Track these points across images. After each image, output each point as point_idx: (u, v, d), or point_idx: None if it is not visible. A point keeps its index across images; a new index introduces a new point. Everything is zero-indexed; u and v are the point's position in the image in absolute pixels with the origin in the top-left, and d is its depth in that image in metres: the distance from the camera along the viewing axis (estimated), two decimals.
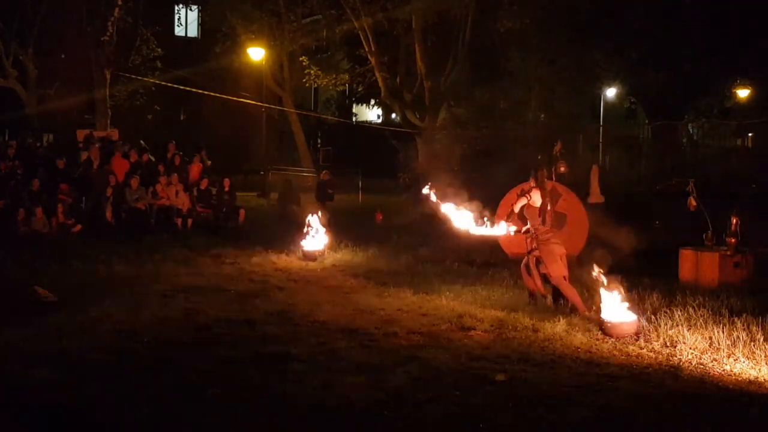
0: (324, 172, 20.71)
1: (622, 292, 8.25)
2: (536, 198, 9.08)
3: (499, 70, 25.75)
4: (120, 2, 23.18)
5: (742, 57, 23.14)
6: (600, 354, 7.31)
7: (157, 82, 25.19)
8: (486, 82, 25.55)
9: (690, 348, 7.45)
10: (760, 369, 6.85)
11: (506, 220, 9.44)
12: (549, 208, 9.11)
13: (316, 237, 12.99)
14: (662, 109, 24.63)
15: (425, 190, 9.44)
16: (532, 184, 9.19)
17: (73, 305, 8.87)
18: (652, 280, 10.68)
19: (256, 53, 25.86)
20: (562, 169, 14.56)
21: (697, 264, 11.03)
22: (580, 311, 8.69)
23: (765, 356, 7.12)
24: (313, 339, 7.63)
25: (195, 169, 18.71)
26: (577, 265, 11.84)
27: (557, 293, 9.06)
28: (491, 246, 13.58)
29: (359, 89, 31.78)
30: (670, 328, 8.01)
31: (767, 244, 11.39)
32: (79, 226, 15.20)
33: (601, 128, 28.25)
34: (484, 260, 12.93)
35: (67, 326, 7.84)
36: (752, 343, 7.45)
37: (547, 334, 7.93)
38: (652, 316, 8.47)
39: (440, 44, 24.32)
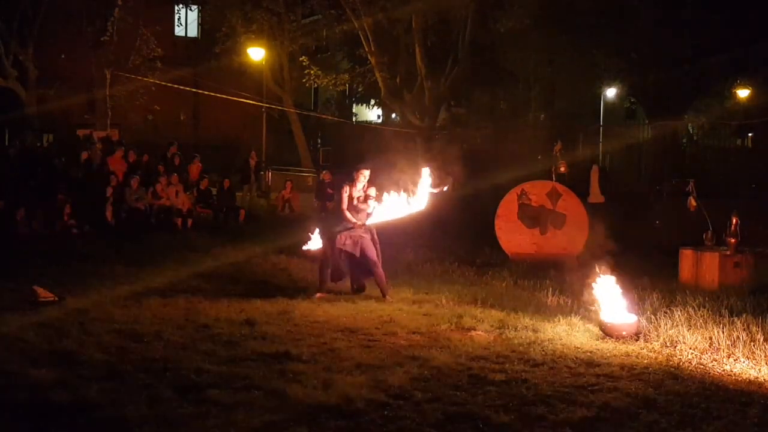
0: (324, 172, 20.71)
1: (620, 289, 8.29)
2: (355, 192, 9.93)
3: (499, 70, 25.76)
4: (120, 2, 23.19)
5: (742, 57, 23.14)
6: (600, 354, 7.31)
7: (157, 82, 25.18)
8: (486, 82, 25.55)
9: (690, 348, 7.46)
10: (760, 369, 6.86)
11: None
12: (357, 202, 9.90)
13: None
14: (662, 109, 24.61)
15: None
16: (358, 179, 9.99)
17: (73, 305, 8.87)
18: (652, 280, 10.69)
19: (256, 53, 25.86)
20: (562, 169, 14.58)
21: (697, 264, 11.04)
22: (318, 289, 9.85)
23: (765, 356, 7.12)
24: (313, 339, 7.63)
25: (195, 169, 18.74)
26: (578, 265, 11.87)
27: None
28: (491, 246, 13.61)
29: (359, 89, 31.76)
30: (670, 328, 8.01)
31: (767, 244, 11.41)
32: (87, 228, 15.22)
33: (601, 128, 28.25)
34: (484, 260, 12.94)
35: (67, 326, 7.84)
36: (752, 343, 7.45)
37: (547, 334, 7.94)
38: (652, 316, 8.47)
39: (440, 44, 24.31)
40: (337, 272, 9.98)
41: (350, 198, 9.88)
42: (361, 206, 9.87)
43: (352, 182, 9.94)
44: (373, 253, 9.85)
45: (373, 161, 10.48)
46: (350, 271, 10.01)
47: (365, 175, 9.99)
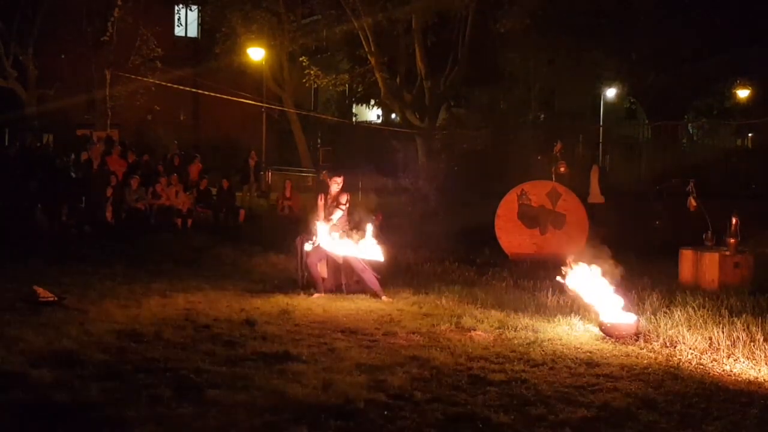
0: (324, 172, 20.71)
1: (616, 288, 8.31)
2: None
3: (499, 70, 25.78)
4: (120, 2, 23.19)
5: (742, 57, 23.16)
6: (600, 354, 7.31)
7: (157, 82, 25.18)
8: (486, 82, 25.58)
9: (690, 348, 7.45)
10: (760, 369, 6.85)
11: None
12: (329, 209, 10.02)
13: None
14: (662, 109, 24.64)
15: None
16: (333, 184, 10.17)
17: (73, 305, 8.87)
18: (652, 280, 10.68)
19: (256, 53, 25.85)
20: (562, 169, 14.60)
21: (697, 264, 11.04)
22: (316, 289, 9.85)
23: (765, 356, 7.12)
24: (313, 339, 7.63)
25: (195, 169, 18.75)
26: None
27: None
28: (491, 246, 13.61)
29: (359, 89, 31.76)
30: (670, 328, 8.01)
31: (767, 244, 11.41)
32: (87, 228, 15.21)
33: (601, 128, 28.26)
34: (484, 260, 12.94)
35: (67, 326, 7.84)
36: (752, 344, 7.45)
37: (547, 334, 7.94)
38: (652, 316, 8.47)
39: (440, 44, 24.31)
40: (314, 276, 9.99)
41: (325, 204, 10.00)
42: (333, 215, 9.88)
43: (326, 191, 10.03)
44: (356, 260, 9.83)
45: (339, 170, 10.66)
46: (334, 275, 10.03)
47: (338, 182, 10.04)
